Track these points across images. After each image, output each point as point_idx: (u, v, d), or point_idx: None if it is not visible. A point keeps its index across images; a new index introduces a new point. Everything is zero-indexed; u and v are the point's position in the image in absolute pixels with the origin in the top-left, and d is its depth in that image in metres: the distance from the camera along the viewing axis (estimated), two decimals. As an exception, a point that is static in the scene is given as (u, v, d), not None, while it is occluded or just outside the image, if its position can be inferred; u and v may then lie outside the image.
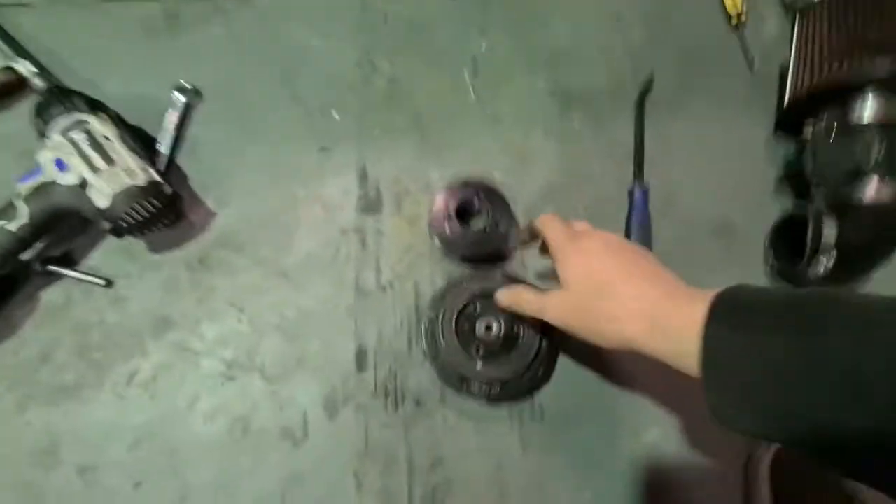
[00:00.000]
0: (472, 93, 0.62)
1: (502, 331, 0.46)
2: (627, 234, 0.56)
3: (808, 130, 0.58)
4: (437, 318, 0.46)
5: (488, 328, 0.46)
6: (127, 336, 0.48)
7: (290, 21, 0.62)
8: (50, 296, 0.48)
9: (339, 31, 0.62)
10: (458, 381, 0.46)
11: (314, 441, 0.46)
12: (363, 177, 0.56)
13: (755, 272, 0.57)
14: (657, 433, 0.48)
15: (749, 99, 0.65)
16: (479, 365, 0.45)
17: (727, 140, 0.63)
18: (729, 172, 0.61)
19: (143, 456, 0.44)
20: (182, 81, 0.56)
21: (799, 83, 0.58)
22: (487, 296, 0.47)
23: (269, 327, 0.49)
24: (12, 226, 0.44)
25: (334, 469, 0.45)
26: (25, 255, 0.47)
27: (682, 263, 0.55)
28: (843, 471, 0.26)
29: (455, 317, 0.46)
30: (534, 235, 0.45)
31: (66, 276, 0.48)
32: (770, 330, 0.27)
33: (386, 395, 0.48)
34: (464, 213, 0.52)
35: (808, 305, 0.27)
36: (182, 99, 0.56)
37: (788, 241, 0.55)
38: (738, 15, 0.69)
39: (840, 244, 0.50)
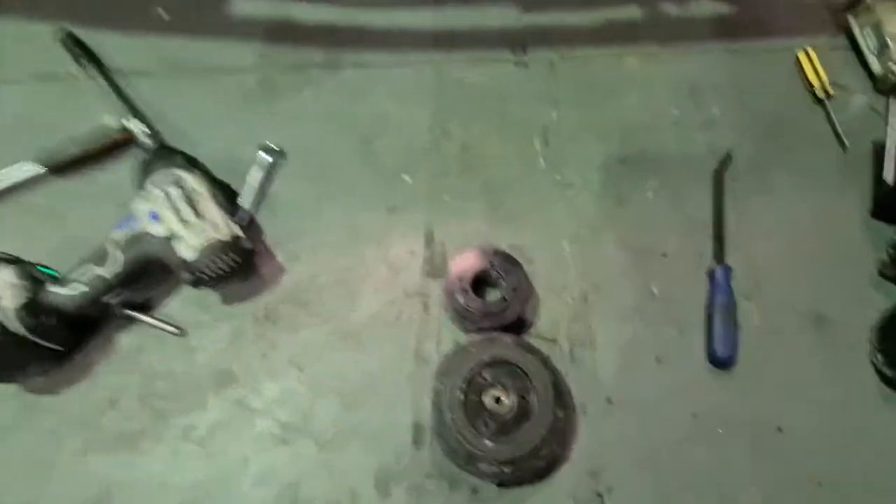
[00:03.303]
0: (542, 160, 0.62)
1: (514, 403, 0.42)
2: (709, 318, 0.51)
3: (916, 215, 0.53)
4: (443, 390, 0.42)
5: (498, 400, 0.43)
6: (190, 387, 0.48)
7: (371, 90, 0.66)
8: (126, 340, 0.50)
9: (415, 99, 0.66)
10: (465, 461, 0.41)
11: (362, 522, 0.43)
12: (430, 240, 0.56)
13: (858, 372, 0.50)
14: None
15: (840, 177, 0.61)
16: (489, 442, 0.41)
17: (818, 220, 0.58)
18: (822, 255, 0.56)
19: (189, 518, 0.43)
20: (268, 142, 0.60)
21: (901, 165, 0.54)
22: (497, 364, 0.43)
23: (326, 389, 0.48)
24: (103, 271, 0.46)
25: (381, 557, 0.42)
26: (109, 298, 0.49)
27: (773, 355, 0.51)
28: None
29: (462, 388, 0.42)
30: None
31: (142, 321, 0.50)
32: None
33: (441, 477, 0.44)
34: (479, 283, 0.51)
35: None
36: (267, 158, 0.59)
37: (899, 341, 0.49)
38: (823, 88, 0.66)
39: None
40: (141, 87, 0.65)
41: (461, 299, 0.48)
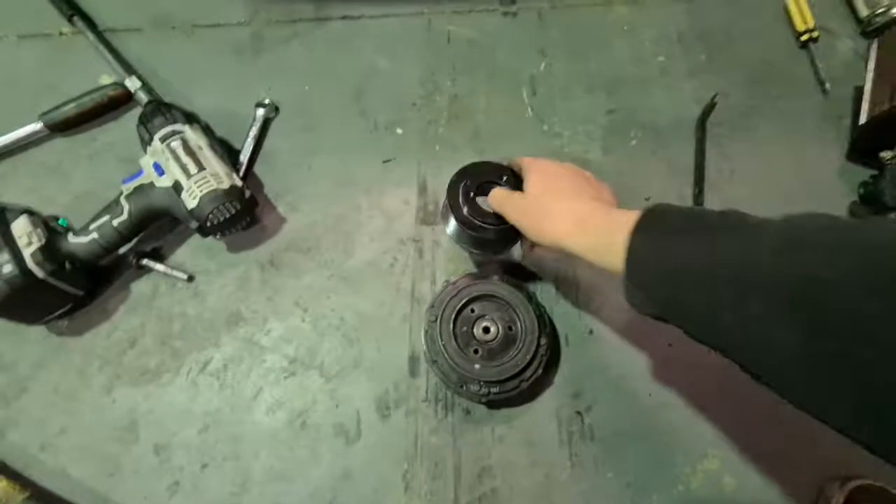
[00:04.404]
0: (529, 110, 0.64)
1: (500, 331, 0.47)
2: (686, 256, 0.55)
3: (887, 155, 0.56)
4: (436, 320, 0.46)
5: (486, 329, 0.47)
6: (203, 328, 0.52)
7: (361, 42, 0.67)
8: (140, 287, 0.54)
9: (406, 52, 0.66)
10: (457, 383, 0.45)
11: (366, 440, 0.48)
12: (423, 189, 0.58)
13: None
14: (717, 460, 0.46)
15: (820, 121, 0.63)
16: (478, 366, 0.45)
17: (796, 164, 0.60)
18: (798, 198, 0.59)
19: (210, 440, 0.48)
20: (262, 98, 0.62)
21: (876, 105, 0.56)
22: (485, 298, 0.47)
23: (329, 328, 0.52)
24: (116, 222, 0.49)
25: (384, 469, 0.47)
26: (123, 249, 0.53)
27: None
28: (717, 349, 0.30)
29: (453, 319, 0.46)
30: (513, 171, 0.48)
31: (154, 269, 0.53)
32: (677, 235, 0.31)
33: (436, 401, 0.49)
34: (486, 193, 0.46)
35: (711, 216, 0.31)
36: (261, 113, 0.61)
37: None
38: (808, 32, 0.67)
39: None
40: (132, 44, 0.66)
41: (464, 209, 0.45)
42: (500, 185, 0.46)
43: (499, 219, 0.45)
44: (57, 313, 0.50)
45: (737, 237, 0.29)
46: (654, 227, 0.33)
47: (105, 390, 0.49)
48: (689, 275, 0.30)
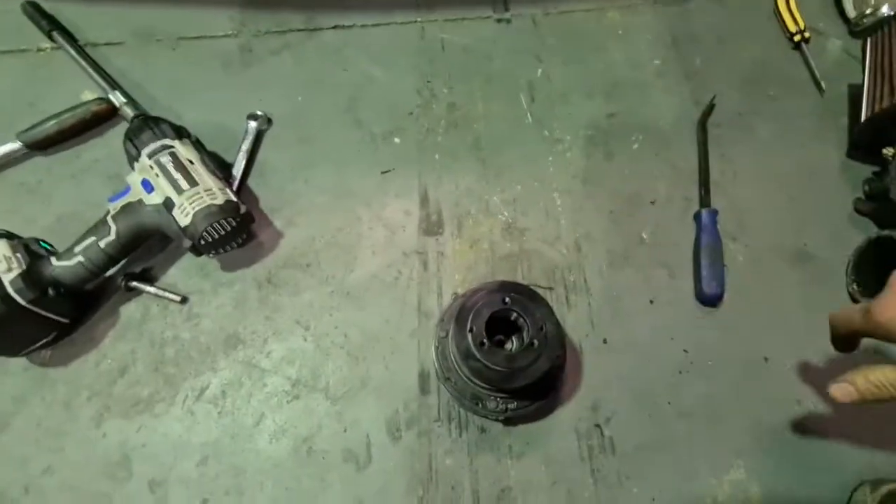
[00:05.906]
0: (529, 117, 0.63)
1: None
2: (697, 259, 0.54)
3: (889, 151, 0.55)
4: (447, 336, 0.43)
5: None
6: (199, 352, 0.49)
7: (353, 52, 0.65)
8: (130, 310, 0.50)
9: (400, 60, 0.65)
10: (471, 401, 0.43)
11: (377, 465, 0.45)
12: (424, 199, 0.57)
13: (837, 302, 0.53)
14: (743, 470, 0.45)
15: (818, 121, 0.63)
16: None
17: (798, 163, 0.60)
18: (802, 196, 0.58)
19: (210, 473, 0.45)
20: (254, 110, 0.60)
21: (875, 103, 0.56)
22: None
23: (333, 347, 0.49)
24: (103, 243, 0.46)
25: (398, 496, 0.44)
26: (110, 272, 0.50)
27: (758, 290, 0.53)
28: None
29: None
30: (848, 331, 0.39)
31: (145, 292, 0.50)
32: None
33: (450, 420, 0.47)
34: (496, 330, 0.41)
35: None
36: (254, 126, 0.59)
37: (873, 270, 0.52)
38: (800, 33, 0.67)
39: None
40: (114, 59, 0.64)
41: (475, 352, 0.39)
42: (506, 308, 0.40)
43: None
44: (40, 343, 0.47)
45: None
46: None
47: (94, 424, 0.46)
48: None
